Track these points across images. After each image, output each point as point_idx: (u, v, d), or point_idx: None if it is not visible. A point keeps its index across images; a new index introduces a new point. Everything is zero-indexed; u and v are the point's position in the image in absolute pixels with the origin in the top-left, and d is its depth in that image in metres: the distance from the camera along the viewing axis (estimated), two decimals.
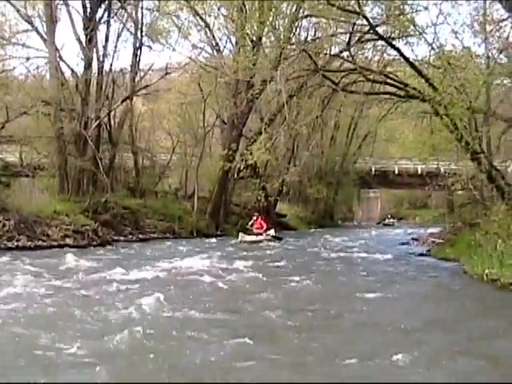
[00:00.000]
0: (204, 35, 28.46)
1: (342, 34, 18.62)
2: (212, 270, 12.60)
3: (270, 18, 17.64)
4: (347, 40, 16.62)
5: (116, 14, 26.22)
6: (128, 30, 27.06)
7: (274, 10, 17.46)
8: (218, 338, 6.43)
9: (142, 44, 27.04)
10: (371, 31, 15.12)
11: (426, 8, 14.91)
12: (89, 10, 24.18)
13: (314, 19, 24.09)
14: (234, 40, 27.29)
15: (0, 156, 24.06)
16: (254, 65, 18.31)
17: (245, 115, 26.69)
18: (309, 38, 26.06)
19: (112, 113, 26.35)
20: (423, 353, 6.00)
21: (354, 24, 15.58)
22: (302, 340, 6.56)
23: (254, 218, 24.84)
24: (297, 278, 11.32)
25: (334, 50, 20.80)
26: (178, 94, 29.28)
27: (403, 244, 23.07)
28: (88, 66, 24.30)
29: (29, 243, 17.89)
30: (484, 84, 15.29)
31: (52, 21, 23.66)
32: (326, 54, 19.56)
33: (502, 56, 17.43)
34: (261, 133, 17.01)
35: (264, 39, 21.64)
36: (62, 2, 24.97)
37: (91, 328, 6.93)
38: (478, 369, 5.58)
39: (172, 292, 9.63)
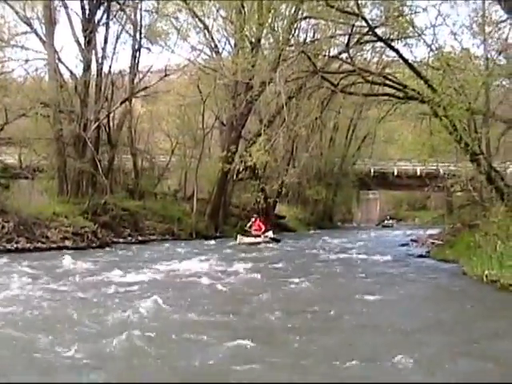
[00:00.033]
0: (203, 37, 28.55)
1: (340, 35, 18.68)
2: (210, 272, 12.58)
3: (269, 20, 17.68)
4: (346, 41, 16.63)
5: (115, 16, 26.25)
6: (127, 31, 27.10)
7: (272, 11, 17.49)
8: (217, 341, 6.41)
9: (140, 46, 27.06)
10: (370, 33, 15.11)
11: (425, 9, 14.94)
12: (88, 11, 24.17)
13: (312, 21, 24.18)
14: (232, 42, 27.34)
15: None
16: (252, 66, 18.31)
17: (244, 117, 26.69)
18: (308, 40, 26.10)
19: (111, 114, 26.33)
20: (423, 354, 5.98)
21: (353, 25, 15.57)
22: (301, 342, 6.53)
23: (253, 219, 24.84)
24: (296, 280, 11.30)
25: (333, 52, 20.87)
26: (176, 95, 29.26)
27: (402, 245, 23.05)
28: (87, 67, 24.28)
29: (28, 245, 17.89)
30: (483, 85, 15.29)
31: (51, 23, 23.68)
32: (324, 55, 19.59)
33: (500, 57, 17.48)
34: (260, 134, 17.00)
35: (263, 41, 21.66)
36: (60, 3, 25.04)
37: (89, 331, 6.90)
38: (479, 370, 5.57)
39: (170, 294, 9.60)
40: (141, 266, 13.67)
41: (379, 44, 19.41)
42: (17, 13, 24.51)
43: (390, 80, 16.20)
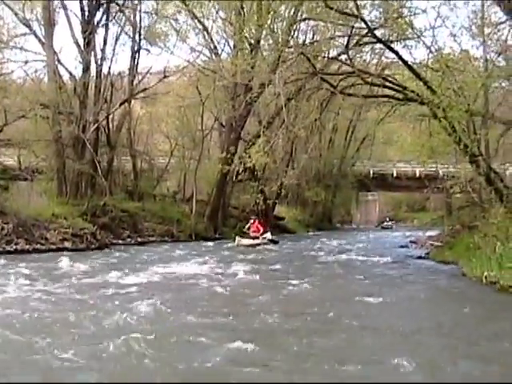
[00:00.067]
0: (202, 38, 28.53)
1: (340, 36, 18.69)
2: (209, 274, 12.58)
3: (269, 21, 17.66)
4: (345, 43, 16.65)
5: (114, 18, 26.21)
6: (126, 33, 27.08)
7: (272, 12, 17.48)
8: (216, 342, 6.39)
9: (140, 47, 27.04)
10: (369, 34, 15.12)
11: (425, 11, 14.93)
12: (87, 13, 24.15)
13: (312, 22, 24.15)
14: (232, 43, 27.30)
15: None
16: (252, 68, 18.31)
17: (243, 118, 26.69)
18: (307, 41, 26.13)
19: (110, 116, 26.31)
20: (423, 356, 5.97)
21: (353, 27, 15.61)
22: (300, 343, 6.52)
23: (251, 221, 24.80)
24: (295, 282, 11.29)
25: (333, 53, 20.82)
26: (176, 97, 29.24)
27: (402, 247, 23.07)
28: (86, 69, 24.25)
29: (27, 246, 17.85)
30: (482, 87, 15.29)
31: (50, 24, 23.63)
32: (324, 57, 19.59)
33: (500, 59, 17.48)
34: (259, 136, 16.98)
35: (262, 42, 21.62)
36: (60, 5, 25.02)
37: (88, 333, 6.88)
38: (478, 371, 5.57)
39: (169, 296, 9.58)
40: (140, 267, 13.66)
41: (378, 45, 19.46)
42: (16, 14, 24.49)
43: (390, 81, 16.21)
